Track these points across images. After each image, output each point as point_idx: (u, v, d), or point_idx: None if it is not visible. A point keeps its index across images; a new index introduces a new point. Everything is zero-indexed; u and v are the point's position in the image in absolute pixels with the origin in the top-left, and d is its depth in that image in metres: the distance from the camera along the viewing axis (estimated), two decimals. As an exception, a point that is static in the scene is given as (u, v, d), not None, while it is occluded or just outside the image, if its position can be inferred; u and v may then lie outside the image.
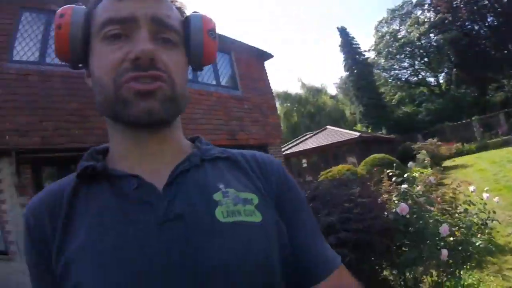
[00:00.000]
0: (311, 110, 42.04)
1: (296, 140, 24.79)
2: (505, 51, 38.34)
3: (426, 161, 13.80)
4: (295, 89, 51.04)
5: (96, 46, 0.62)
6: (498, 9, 37.64)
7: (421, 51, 41.69)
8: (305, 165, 21.68)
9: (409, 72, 44.86)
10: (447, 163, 16.46)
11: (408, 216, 3.25)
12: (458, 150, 19.94)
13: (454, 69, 40.65)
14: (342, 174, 8.31)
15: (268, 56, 10.31)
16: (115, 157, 0.67)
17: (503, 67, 39.08)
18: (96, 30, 0.62)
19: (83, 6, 0.65)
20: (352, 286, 0.67)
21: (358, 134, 21.02)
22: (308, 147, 21.22)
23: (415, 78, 44.94)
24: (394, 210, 3.37)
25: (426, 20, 40.84)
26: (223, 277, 0.54)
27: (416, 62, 43.58)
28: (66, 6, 0.63)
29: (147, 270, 0.52)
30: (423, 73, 44.23)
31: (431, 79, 44.42)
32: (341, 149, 20.72)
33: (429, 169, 12.53)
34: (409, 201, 3.61)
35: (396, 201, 3.68)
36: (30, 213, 0.62)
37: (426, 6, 42.55)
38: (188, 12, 0.72)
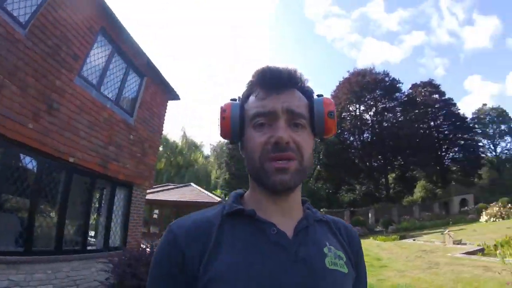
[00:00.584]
0: (180, 162, 41.68)
1: (156, 188, 23.96)
2: (367, 163, 45.29)
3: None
4: (175, 136, 50.32)
5: (248, 131, 0.84)
6: (376, 130, 44.71)
7: None
8: (155, 216, 20.70)
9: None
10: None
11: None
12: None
13: (319, 166, 45.23)
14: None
15: (175, 97, 9.90)
16: (254, 206, 0.85)
17: (360, 176, 45.94)
18: (248, 120, 0.84)
19: (238, 102, 0.89)
20: None
21: (219, 199, 21.10)
22: (165, 198, 20.31)
23: (282, 164, 48.75)
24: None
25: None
26: None
27: None
28: (227, 102, 0.88)
29: None
30: None
31: None
32: (198, 209, 20.28)
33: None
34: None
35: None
36: (181, 232, 0.78)
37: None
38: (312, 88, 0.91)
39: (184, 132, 45.85)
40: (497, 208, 22.19)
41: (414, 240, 18.18)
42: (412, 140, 43.26)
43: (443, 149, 47.38)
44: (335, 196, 41.61)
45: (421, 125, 47.24)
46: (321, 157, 44.21)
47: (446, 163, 47.67)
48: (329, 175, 44.23)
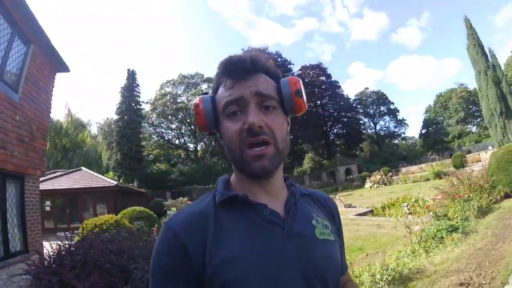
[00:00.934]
0: (67, 144, 37.94)
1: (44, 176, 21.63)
2: None
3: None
4: (59, 115, 45.01)
5: (223, 121, 0.86)
6: None
7: (192, 119, 44.96)
8: (48, 208, 18.61)
9: (174, 133, 47.99)
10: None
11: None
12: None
13: (213, 142, 45.78)
14: (111, 226, 7.96)
15: (64, 68, 8.53)
16: (242, 190, 0.88)
17: None
18: (221, 110, 0.87)
19: (209, 95, 0.91)
20: (350, 276, 1.11)
21: (115, 183, 20.07)
22: (57, 187, 18.27)
23: (177, 141, 48.26)
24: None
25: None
26: (320, 270, 0.82)
27: (184, 127, 46.82)
28: (198, 97, 0.91)
29: (280, 266, 0.77)
30: (186, 138, 47.96)
31: (191, 145, 48.37)
32: (93, 196, 19.26)
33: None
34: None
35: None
36: (179, 227, 0.80)
37: (212, 85, 49.07)
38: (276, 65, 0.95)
39: (69, 110, 41.86)
40: (380, 176, 25.47)
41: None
42: (300, 116, 46.05)
43: (329, 125, 51.79)
44: (231, 171, 42.77)
45: (309, 104, 50.12)
46: (213, 132, 45.46)
47: (331, 137, 52.47)
48: (223, 150, 45.16)
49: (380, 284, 4.11)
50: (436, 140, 49.91)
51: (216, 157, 44.95)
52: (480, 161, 23.46)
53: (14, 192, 6.63)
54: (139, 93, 41.32)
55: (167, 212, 15.54)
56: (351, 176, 34.61)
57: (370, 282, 4.20)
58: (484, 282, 3.69)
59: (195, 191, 30.15)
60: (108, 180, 20.53)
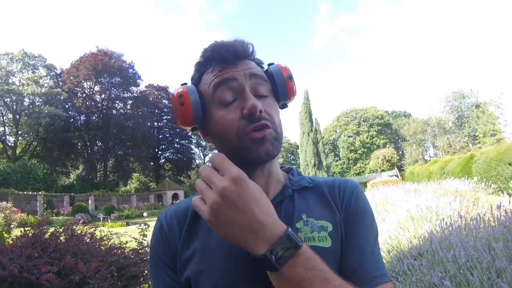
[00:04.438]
0: None
1: None
2: (89, 149, 44.84)
3: (13, 225, 13.79)
4: None
5: (213, 110, 0.80)
6: (103, 115, 44.66)
7: (19, 107, 38.93)
8: None
9: (-6, 119, 39.97)
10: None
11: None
12: (21, 220, 19.93)
13: (35, 142, 41.19)
14: None
15: None
16: None
17: (77, 159, 45.35)
18: (209, 98, 0.80)
19: (191, 85, 0.84)
20: None
21: None
22: None
23: (-4, 129, 40.55)
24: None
25: (45, 84, 40.63)
26: None
27: (7, 115, 40.11)
28: (180, 87, 0.82)
29: (239, 273, 0.73)
30: (6, 129, 40.71)
31: (11, 139, 41.18)
32: None
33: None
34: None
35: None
36: (165, 220, 0.86)
37: (53, 73, 43.40)
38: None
39: None
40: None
41: (140, 226, 20.68)
42: (135, 133, 45.11)
43: (161, 149, 52.31)
44: (52, 177, 38.14)
45: (147, 123, 49.83)
46: (42, 131, 40.27)
47: (162, 160, 52.91)
48: (47, 153, 41.00)
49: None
50: (255, 177, 57.65)
51: (37, 159, 39.76)
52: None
53: None
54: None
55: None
56: (177, 201, 36.34)
57: None
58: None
59: (12, 197, 25.64)
60: None
